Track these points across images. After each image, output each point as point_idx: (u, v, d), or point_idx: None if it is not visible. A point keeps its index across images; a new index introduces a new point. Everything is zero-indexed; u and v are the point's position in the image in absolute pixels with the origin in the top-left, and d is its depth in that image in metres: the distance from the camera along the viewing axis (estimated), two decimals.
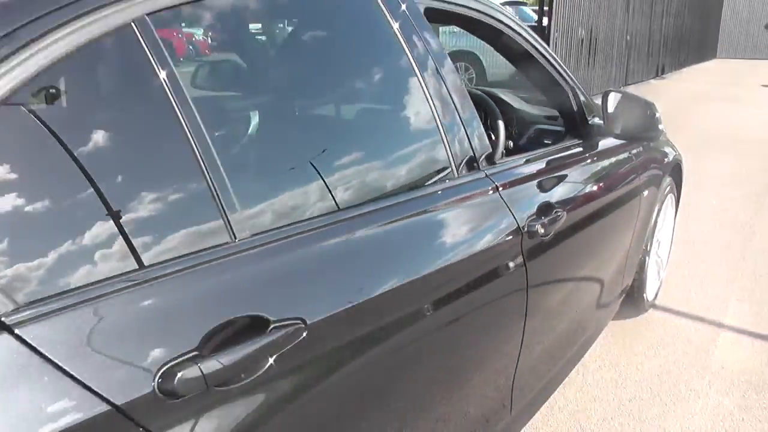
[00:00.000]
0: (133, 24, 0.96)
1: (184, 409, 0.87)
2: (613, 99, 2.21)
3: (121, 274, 0.89)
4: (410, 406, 1.32)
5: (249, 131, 1.25)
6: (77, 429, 0.77)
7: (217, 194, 1.00)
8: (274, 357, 0.96)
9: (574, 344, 2.19)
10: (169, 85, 0.98)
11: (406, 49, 1.43)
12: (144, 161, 1.00)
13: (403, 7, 1.46)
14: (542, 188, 1.78)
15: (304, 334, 1.00)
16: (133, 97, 1.02)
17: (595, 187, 2.07)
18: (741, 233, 4.29)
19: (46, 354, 0.77)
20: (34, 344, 0.77)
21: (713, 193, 5.18)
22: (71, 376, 0.78)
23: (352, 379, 1.12)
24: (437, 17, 1.64)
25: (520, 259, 1.57)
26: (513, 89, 3.06)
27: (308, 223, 1.14)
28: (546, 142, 2.39)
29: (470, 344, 1.48)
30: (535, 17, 9.89)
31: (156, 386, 0.84)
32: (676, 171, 3.04)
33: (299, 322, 1.00)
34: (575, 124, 2.23)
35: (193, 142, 0.99)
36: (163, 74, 0.98)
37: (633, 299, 2.91)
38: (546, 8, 9.00)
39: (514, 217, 1.57)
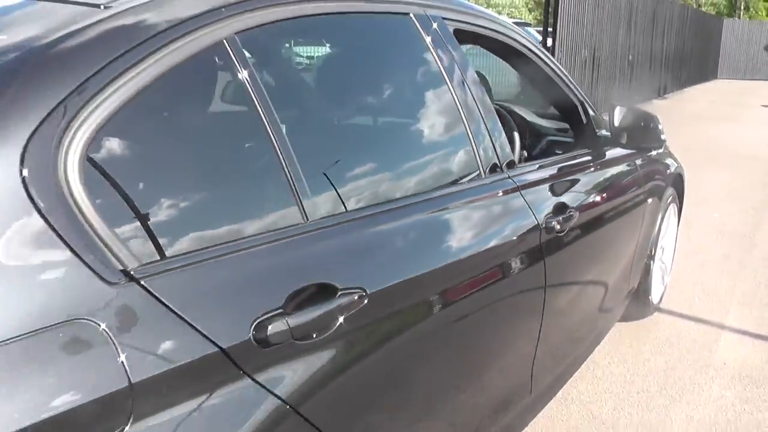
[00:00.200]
0: (224, 41, 1.17)
1: (272, 357, 1.06)
2: (619, 112, 2.43)
3: (227, 242, 1.09)
4: (445, 375, 1.51)
5: (319, 134, 1.47)
6: (190, 366, 0.95)
7: (294, 185, 1.21)
8: (342, 318, 1.16)
9: (587, 335, 2.38)
10: (253, 91, 1.20)
11: (443, 72, 1.66)
12: (242, 157, 1.23)
13: (435, 25, 1.69)
14: (557, 191, 1.98)
15: (365, 301, 1.20)
16: (222, 100, 1.24)
17: (603, 192, 2.28)
18: (741, 244, 4.48)
19: (167, 302, 0.96)
20: (156, 294, 0.95)
21: (714, 207, 5.37)
22: (187, 322, 0.97)
23: (399, 341, 1.32)
24: (463, 38, 1.85)
25: (539, 252, 1.77)
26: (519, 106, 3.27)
27: (366, 210, 1.36)
28: (557, 152, 2.59)
29: (496, 326, 1.68)
30: (540, 38, 10.16)
31: (252, 336, 1.03)
32: (678, 182, 3.25)
33: (361, 290, 1.20)
34: (585, 136, 2.44)
35: (274, 142, 1.20)
36: (249, 83, 1.19)
37: (639, 301, 3.10)
38: (550, 29, 9.28)
39: (534, 215, 1.77)
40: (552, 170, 2.08)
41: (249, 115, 1.19)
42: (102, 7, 1.08)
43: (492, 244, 1.61)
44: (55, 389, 0.81)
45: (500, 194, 1.72)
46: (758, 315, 3.35)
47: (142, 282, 0.95)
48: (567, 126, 2.62)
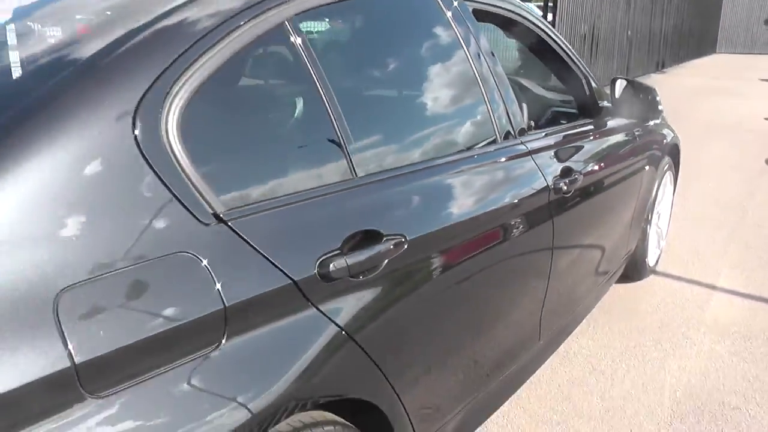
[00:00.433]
0: (286, 22, 1.35)
1: (331, 290, 1.26)
2: (619, 85, 2.61)
3: (294, 193, 1.28)
4: (469, 315, 1.71)
5: (364, 105, 1.67)
6: (269, 295, 1.14)
7: (346, 147, 1.42)
8: (387, 260, 1.36)
9: (588, 290, 2.58)
10: (312, 67, 1.39)
11: (463, 45, 1.85)
12: (303, 123, 1.45)
13: (455, 3, 1.86)
14: (563, 156, 2.17)
15: (406, 246, 1.40)
16: (286, 75, 1.46)
17: (605, 159, 2.46)
18: (735, 212, 4.68)
19: (249, 240, 1.15)
20: (241, 233, 1.14)
21: (710, 177, 5.57)
22: (266, 258, 1.16)
23: (432, 282, 1.52)
24: (478, 16, 2.02)
25: (548, 210, 1.96)
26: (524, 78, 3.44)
27: (405, 168, 1.56)
28: (562, 121, 2.77)
29: (511, 274, 1.87)
30: (540, 13, 10.27)
31: (317, 271, 1.23)
32: (674, 151, 3.44)
33: (402, 237, 1.40)
34: (587, 106, 2.61)
35: (329, 112, 1.39)
36: (307, 58, 1.39)
37: (636, 264, 3.30)
38: (551, 4, 9.39)
39: (544, 177, 1.96)
40: (558, 137, 2.26)
41: (308, 88, 1.39)
42: None
43: (508, 200, 1.80)
44: (167, 307, 1.00)
45: (514, 158, 1.91)
46: (748, 276, 3.56)
47: (230, 224, 1.14)
48: (568, 98, 2.80)
